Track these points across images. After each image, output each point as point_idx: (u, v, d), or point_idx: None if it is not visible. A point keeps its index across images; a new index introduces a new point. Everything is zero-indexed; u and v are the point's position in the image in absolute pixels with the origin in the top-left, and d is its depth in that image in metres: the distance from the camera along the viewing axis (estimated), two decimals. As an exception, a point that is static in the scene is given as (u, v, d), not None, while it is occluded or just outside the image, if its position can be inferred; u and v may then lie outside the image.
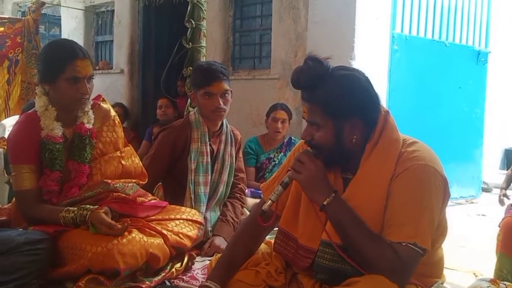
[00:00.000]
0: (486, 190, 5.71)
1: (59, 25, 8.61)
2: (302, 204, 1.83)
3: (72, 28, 7.84)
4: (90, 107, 2.31)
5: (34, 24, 5.89)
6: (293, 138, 4.27)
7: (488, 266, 2.85)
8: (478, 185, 5.53)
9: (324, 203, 1.66)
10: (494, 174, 6.22)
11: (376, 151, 1.71)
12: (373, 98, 1.73)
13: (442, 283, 1.79)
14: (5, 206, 2.47)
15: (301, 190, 1.83)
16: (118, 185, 2.26)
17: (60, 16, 8.48)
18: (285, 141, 4.21)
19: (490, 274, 2.71)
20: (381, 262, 1.59)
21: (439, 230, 1.76)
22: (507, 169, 3.44)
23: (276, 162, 4.11)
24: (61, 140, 2.19)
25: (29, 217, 2.15)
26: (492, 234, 2.91)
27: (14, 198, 2.35)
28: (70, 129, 2.26)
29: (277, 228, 1.94)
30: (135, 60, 6.72)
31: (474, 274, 2.91)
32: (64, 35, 7.89)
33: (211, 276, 1.89)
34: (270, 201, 1.74)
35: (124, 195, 2.25)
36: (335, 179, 1.79)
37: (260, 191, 3.78)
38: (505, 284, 1.99)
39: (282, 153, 4.15)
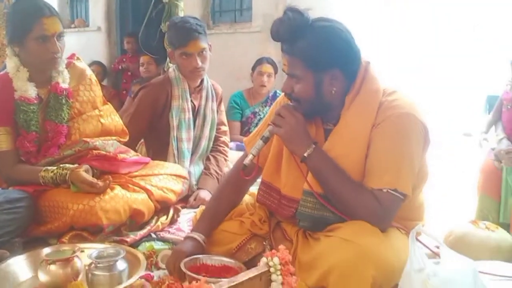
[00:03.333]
0: (468, 135, 5.78)
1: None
2: (284, 156, 1.84)
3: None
4: (64, 66, 2.26)
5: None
6: (278, 92, 4.24)
7: (470, 208, 2.93)
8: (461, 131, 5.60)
9: (305, 154, 1.68)
10: (478, 120, 6.28)
11: (356, 102, 1.72)
12: (353, 49, 1.72)
13: (423, 226, 1.83)
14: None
15: (282, 142, 1.83)
16: (97, 142, 2.23)
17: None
18: (270, 95, 4.18)
19: (472, 216, 2.79)
20: (363, 209, 1.62)
21: (420, 176, 1.79)
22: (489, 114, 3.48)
23: (262, 116, 4.09)
24: (35, 101, 2.15)
25: (8, 178, 2.14)
26: (474, 177, 2.98)
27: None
28: (45, 89, 2.21)
29: (260, 180, 1.95)
30: (112, 16, 6.55)
31: (456, 216, 2.99)
32: None
33: (196, 227, 1.91)
34: (251, 155, 1.75)
35: (104, 153, 2.23)
36: (316, 130, 1.80)
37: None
38: (484, 224, 2.04)
39: (267, 107, 4.12)
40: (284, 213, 1.83)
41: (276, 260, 1.14)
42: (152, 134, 2.84)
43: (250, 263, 1.73)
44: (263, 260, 1.16)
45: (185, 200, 2.66)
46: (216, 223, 1.94)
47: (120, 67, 6.14)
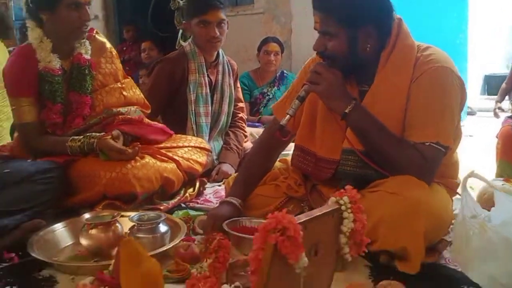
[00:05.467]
0: (471, 113, 5.81)
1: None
2: (319, 118, 1.82)
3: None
4: (85, 38, 2.22)
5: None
6: (285, 72, 4.22)
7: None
8: (464, 109, 5.61)
9: (346, 111, 1.65)
10: (476, 99, 6.32)
11: (392, 59, 1.70)
12: (387, 4, 1.70)
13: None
14: (7, 142, 2.40)
15: (315, 105, 1.82)
16: (121, 109, 2.22)
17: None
18: (277, 75, 4.17)
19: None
20: (406, 163, 1.60)
21: (455, 133, 1.78)
22: (487, 94, 3.49)
23: (270, 97, 4.08)
24: (59, 72, 2.12)
25: (34, 149, 2.10)
26: (480, 153, 2.98)
27: (14, 135, 2.28)
28: (68, 61, 2.18)
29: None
30: (109, 4, 6.45)
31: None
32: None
33: (230, 193, 1.89)
34: (288, 115, 1.71)
35: (130, 117, 2.21)
36: (351, 92, 1.77)
37: (257, 124, 3.79)
38: (516, 181, 2.04)
39: (275, 87, 4.12)
40: (322, 175, 1.81)
41: (346, 198, 1.12)
42: (170, 109, 2.81)
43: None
44: (332, 199, 1.13)
45: (207, 174, 2.64)
46: (251, 188, 1.92)
47: (122, 58, 6.05)
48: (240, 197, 1.86)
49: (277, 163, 2.06)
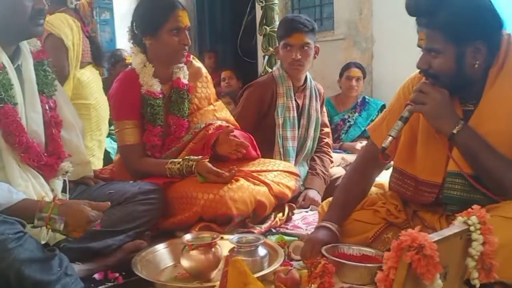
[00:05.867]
0: None
1: (110, 10, 8.67)
2: (420, 139, 1.75)
3: (124, 13, 7.89)
4: (183, 63, 2.32)
5: (89, 7, 5.93)
6: (366, 97, 4.14)
7: None
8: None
9: (454, 131, 1.58)
10: None
11: (502, 76, 1.62)
12: (497, 19, 1.62)
13: None
14: (106, 167, 2.51)
15: (415, 125, 1.76)
16: (208, 120, 2.30)
17: (111, 0, 8.54)
18: (358, 101, 4.09)
19: None
20: None
21: None
22: None
23: (352, 123, 4.00)
24: (160, 96, 2.21)
25: (135, 171, 2.18)
26: None
27: (115, 158, 2.38)
28: (167, 85, 2.27)
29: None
30: (190, 34, 6.69)
31: None
32: (117, 20, 7.94)
33: (326, 217, 1.84)
34: (390, 137, 1.66)
35: (219, 124, 2.28)
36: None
37: (338, 150, 3.73)
38: None
39: (357, 113, 4.03)
40: (423, 199, 1.73)
41: (474, 218, 1.06)
42: (258, 133, 2.81)
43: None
44: (459, 219, 1.07)
45: (292, 200, 2.61)
46: (347, 213, 1.87)
47: None
48: (336, 222, 1.81)
49: (374, 188, 2.00)
